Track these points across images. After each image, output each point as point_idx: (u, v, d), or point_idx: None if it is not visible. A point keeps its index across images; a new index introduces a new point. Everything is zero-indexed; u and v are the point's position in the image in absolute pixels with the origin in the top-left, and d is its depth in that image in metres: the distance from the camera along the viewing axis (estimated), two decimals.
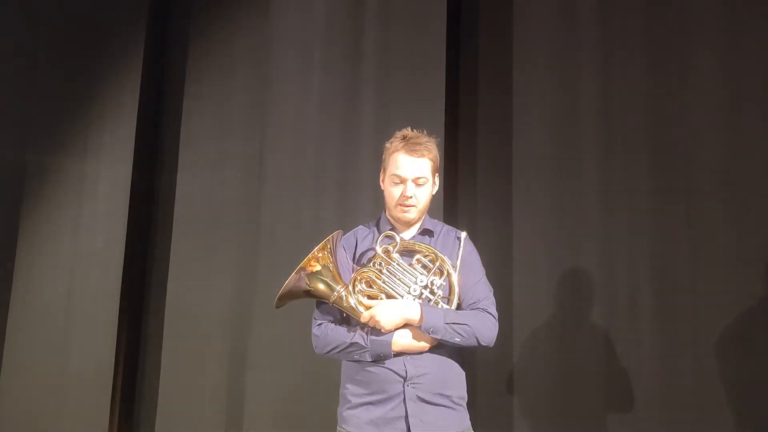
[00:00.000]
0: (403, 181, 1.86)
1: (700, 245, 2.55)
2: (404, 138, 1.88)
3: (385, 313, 1.75)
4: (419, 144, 1.87)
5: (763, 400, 2.36)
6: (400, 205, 1.87)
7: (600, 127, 2.83)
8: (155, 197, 4.14)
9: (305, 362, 3.29)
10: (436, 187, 1.97)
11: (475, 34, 3.23)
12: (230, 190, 3.83)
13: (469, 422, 1.84)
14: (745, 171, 2.51)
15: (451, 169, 3.06)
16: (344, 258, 1.90)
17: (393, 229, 1.91)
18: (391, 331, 1.76)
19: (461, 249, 1.88)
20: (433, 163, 1.90)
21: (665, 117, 2.70)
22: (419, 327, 1.75)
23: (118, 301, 3.95)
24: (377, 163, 3.28)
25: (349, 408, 1.82)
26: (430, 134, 1.94)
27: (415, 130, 1.92)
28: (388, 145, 1.92)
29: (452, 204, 3.04)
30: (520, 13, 3.11)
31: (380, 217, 1.98)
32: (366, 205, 3.28)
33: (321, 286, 1.79)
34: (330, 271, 1.80)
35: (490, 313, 1.84)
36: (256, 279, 3.60)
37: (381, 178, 1.96)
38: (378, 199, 3.25)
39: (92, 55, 4.48)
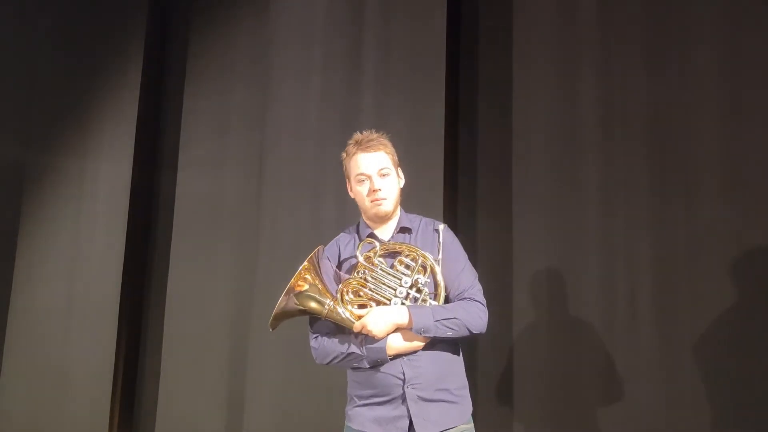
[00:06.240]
0: (367, 176, 1.91)
1: (700, 245, 2.54)
2: (356, 142, 1.95)
3: (375, 321, 1.78)
4: (372, 140, 1.94)
5: (763, 401, 2.36)
6: (372, 200, 1.91)
7: (600, 127, 2.83)
8: (155, 197, 4.14)
9: (305, 363, 3.28)
10: (403, 181, 2.01)
11: (475, 32, 3.23)
12: (230, 190, 3.83)
13: (470, 415, 1.88)
14: (746, 171, 2.50)
15: (451, 169, 3.05)
16: (329, 269, 1.93)
17: (372, 234, 1.95)
18: (384, 338, 1.80)
19: (441, 241, 1.90)
20: (391, 156, 1.96)
21: (665, 117, 2.69)
22: (410, 329, 1.79)
23: (118, 302, 3.94)
24: None
25: (354, 407, 1.87)
26: (381, 132, 1.99)
27: (364, 132, 1.97)
28: (343, 154, 1.99)
29: (452, 204, 3.03)
30: (520, 12, 3.11)
31: (359, 223, 2.02)
32: None
33: (312, 304, 1.83)
34: (317, 287, 1.84)
35: (477, 301, 1.88)
36: (256, 279, 3.60)
37: (348, 188, 2.01)
38: None
39: (92, 55, 4.48)
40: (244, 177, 3.78)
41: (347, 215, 3.31)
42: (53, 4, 4.70)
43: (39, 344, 4.29)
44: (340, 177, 3.41)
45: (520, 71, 3.06)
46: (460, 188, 3.09)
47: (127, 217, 4.02)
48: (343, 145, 3.41)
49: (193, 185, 3.97)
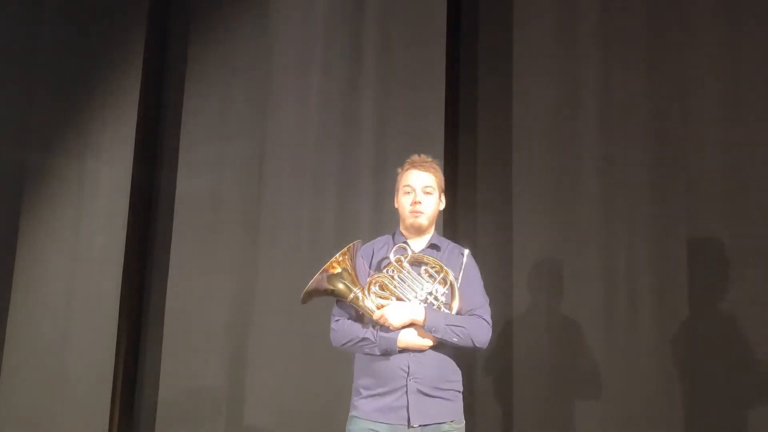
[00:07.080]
0: (413, 189, 2.15)
1: (700, 247, 2.54)
2: (412, 161, 2.20)
3: (394, 312, 2.00)
4: (426, 162, 2.19)
5: (762, 401, 2.36)
6: (412, 211, 2.14)
7: (600, 133, 2.83)
8: (155, 197, 4.14)
9: (305, 362, 3.29)
10: (443, 205, 2.24)
11: (475, 38, 3.23)
12: (230, 190, 3.83)
13: (461, 413, 2.09)
14: (746, 170, 2.50)
15: (451, 168, 3.06)
16: (362, 265, 2.15)
17: (405, 242, 2.16)
18: (398, 329, 2.00)
19: (464, 263, 2.12)
20: (438, 181, 2.19)
21: (665, 120, 2.69)
22: (423, 326, 2.00)
23: (118, 302, 3.95)
24: (376, 162, 3.30)
25: (360, 398, 2.06)
26: (433, 157, 2.22)
27: (422, 155, 2.21)
28: (399, 169, 2.23)
29: (452, 203, 3.03)
30: (520, 11, 3.11)
31: (395, 231, 2.24)
32: (365, 204, 3.28)
33: (340, 286, 2.06)
34: (349, 273, 2.07)
35: (484, 319, 2.09)
36: (255, 279, 3.60)
37: (395, 200, 2.23)
38: (377, 196, 3.25)
39: (92, 55, 4.49)
40: (243, 177, 3.78)
41: (347, 215, 3.32)
42: (53, 4, 4.71)
43: (39, 344, 4.30)
44: (340, 176, 3.45)
45: (520, 70, 3.06)
46: (460, 188, 3.09)
47: (127, 217, 4.02)
48: (343, 145, 3.44)
49: (193, 185, 3.97)
